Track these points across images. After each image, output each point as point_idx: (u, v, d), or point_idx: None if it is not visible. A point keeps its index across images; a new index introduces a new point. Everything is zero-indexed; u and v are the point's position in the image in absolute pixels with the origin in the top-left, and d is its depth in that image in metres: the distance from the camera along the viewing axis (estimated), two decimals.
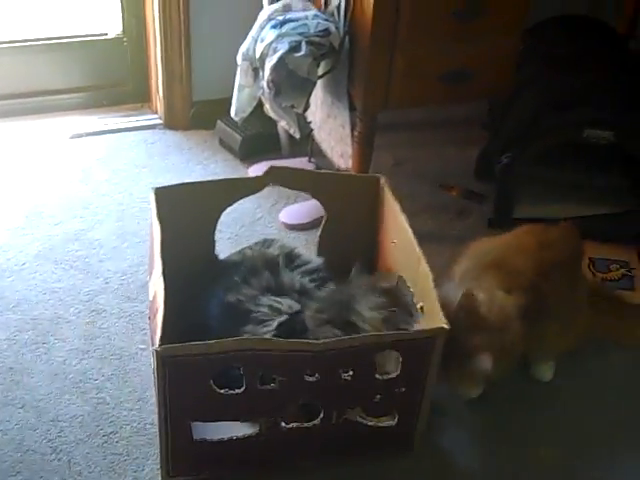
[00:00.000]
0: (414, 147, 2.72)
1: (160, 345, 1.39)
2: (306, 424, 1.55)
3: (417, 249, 1.66)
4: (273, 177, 1.86)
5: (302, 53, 1.96)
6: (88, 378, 1.81)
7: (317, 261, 1.88)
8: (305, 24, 2.01)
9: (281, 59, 1.95)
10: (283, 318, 1.64)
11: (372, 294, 1.68)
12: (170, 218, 1.72)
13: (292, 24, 2.01)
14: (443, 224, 2.38)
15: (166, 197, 1.77)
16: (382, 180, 1.89)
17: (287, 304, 1.69)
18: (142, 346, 1.88)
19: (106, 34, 2.76)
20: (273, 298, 1.70)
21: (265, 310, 1.66)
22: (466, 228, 2.37)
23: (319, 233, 1.98)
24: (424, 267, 1.61)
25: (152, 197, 1.75)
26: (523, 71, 2.22)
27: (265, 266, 1.78)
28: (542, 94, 2.30)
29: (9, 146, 2.59)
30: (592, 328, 1.88)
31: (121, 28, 2.74)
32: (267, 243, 1.91)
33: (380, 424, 1.62)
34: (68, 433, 1.69)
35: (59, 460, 1.63)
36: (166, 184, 1.83)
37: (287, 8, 2.10)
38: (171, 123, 2.75)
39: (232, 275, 1.76)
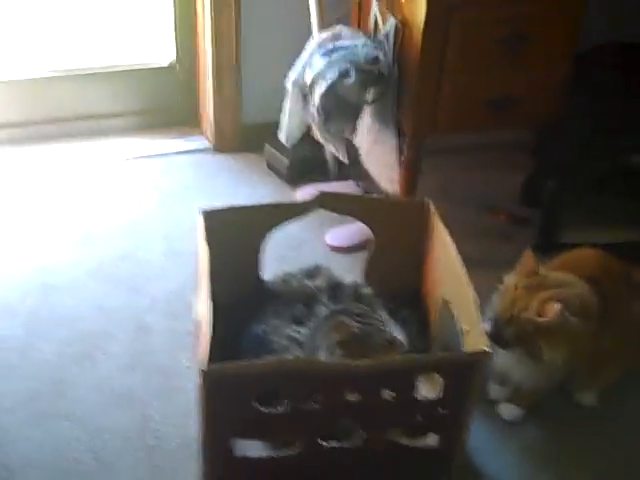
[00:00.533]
0: (460, 171, 2.72)
1: (207, 365, 1.41)
2: (346, 444, 1.56)
3: (463, 273, 1.66)
4: (322, 201, 1.89)
5: (352, 80, 2.00)
6: (133, 393, 1.84)
7: (364, 291, 1.88)
8: (354, 52, 2.04)
9: (331, 86, 1.99)
10: (298, 349, 1.64)
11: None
12: (217, 240, 1.75)
13: (342, 52, 2.05)
14: (489, 248, 2.38)
15: (213, 219, 1.80)
16: (430, 205, 1.90)
17: (306, 334, 1.70)
18: (187, 364, 1.91)
19: (160, 63, 2.83)
20: (294, 328, 1.71)
21: (283, 341, 1.68)
22: (511, 252, 2.34)
23: (367, 258, 1.99)
24: (470, 291, 1.61)
25: (200, 219, 1.79)
26: (575, 97, 2.22)
27: (302, 299, 1.81)
28: (592, 120, 2.29)
29: (66, 167, 2.66)
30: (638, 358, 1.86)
31: (175, 56, 2.81)
32: (315, 271, 1.93)
33: (420, 446, 1.62)
34: (112, 445, 1.72)
35: (103, 472, 1.66)
36: (214, 206, 1.87)
37: (337, 36, 2.14)
38: (220, 146, 2.79)
39: (269, 304, 1.79)
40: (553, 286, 1.69)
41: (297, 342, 1.67)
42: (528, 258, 1.73)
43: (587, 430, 1.82)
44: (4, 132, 2.71)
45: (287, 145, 2.32)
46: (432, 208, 1.88)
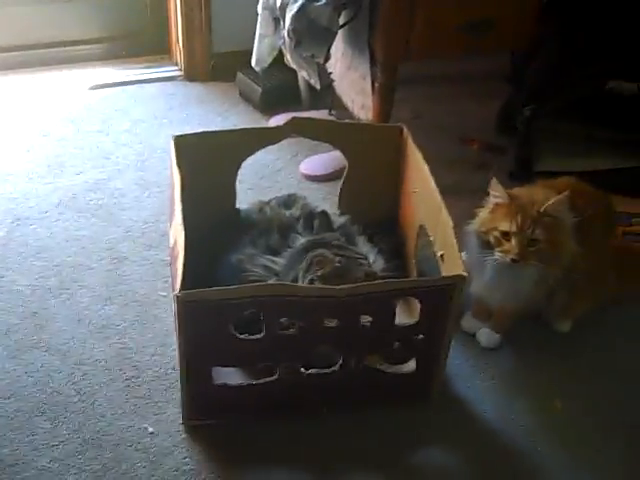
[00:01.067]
0: (434, 101, 2.70)
1: (181, 290, 1.41)
2: (325, 370, 1.57)
3: (438, 198, 1.66)
4: (294, 127, 1.86)
5: (322, 2, 1.95)
6: (111, 324, 1.84)
7: (339, 220, 1.89)
8: None
9: (302, 8, 1.95)
10: (275, 279, 1.64)
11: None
12: (190, 166, 1.73)
13: None
14: (463, 177, 2.36)
15: (186, 145, 1.78)
16: (405, 130, 1.88)
17: (282, 264, 1.70)
18: (163, 293, 1.91)
19: None
20: (269, 258, 1.70)
21: (259, 270, 1.67)
22: (486, 181, 2.35)
23: (341, 184, 1.98)
24: (445, 216, 1.61)
25: (172, 145, 1.76)
26: (547, 23, 2.19)
27: (278, 228, 1.80)
28: (566, 46, 2.28)
29: (29, 97, 2.60)
30: (617, 284, 1.88)
31: None
32: (290, 200, 1.93)
33: (399, 371, 1.64)
34: (91, 376, 1.72)
35: (83, 402, 1.66)
36: (186, 132, 1.84)
37: None
38: (191, 75, 2.75)
39: (244, 234, 1.78)
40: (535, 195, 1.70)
41: (273, 271, 1.67)
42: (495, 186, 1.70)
43: (561, 358, 1.85)
44: None
45: (257, 69, 2.28)
46: (407, 133, 1.87)
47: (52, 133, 2.45)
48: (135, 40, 2.83)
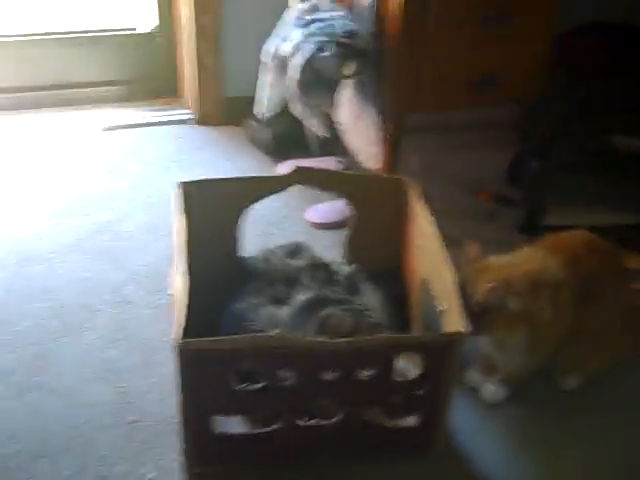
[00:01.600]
0: (444, 150, 2.72)
1: (179, 339, 1.41)
2: (324, 422, 1.57)
3: (442, 251, 1.67)
4: (299, 177, 1.88)
5: (328, 53, 1.99)
6: (114, 367, 1.84)
7: (345, 269, 1.89)
8: (332, 24, 2.04)
9: (308, 59, 1.98)
10: (278, 330, 1.62)
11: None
12: (194, 212, 1.75)
13: (319, 24, 2.05)
14: (472, 228, 2.36)
15: (191, 191, 1.80)
16: (408, 181, 1.90)
17: (287, 315, 1.69)
18: (166, 338, 1.90)
19: (139, 29, 2.81)
20: (274, 308, 1.71)
21: (262, 321, 1.68)
22: (496, 232, 2.36)
23: (347, 234, 1.99)
24: (447, 270, 1.62)
25: (177, 191, 1.78)
26: (556, 76, 2.22)
27: (283, 278, 1.80)
28: (574, 100, 2.30)
29: (43, 137, 2.64)
30: (625, 345, 1.87)
31: (156, 23, 2.78)
32: (296, 249, 1.93)
33: (399, 425, 1.63)
34: (92, 420, 1.71)
35: (83, 445, 1.66)
36: (191, 179, 1.86)
37: (314, 8, 2.13)
38: (202, 118, 2.78)
39: (248, 282, 1.79)
40: (500, 267, 1.67)
41: (276, 322, 1.67)
42: (471, 246, 1.71)
43: (570, 415, 1.82)
44: None
45: (265, 117, 2.31)
46: (410, 184, 1.88)
47: (63, 174, 2.47)
48: (148, 83, 2.87)
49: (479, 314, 1.61)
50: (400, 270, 1.98)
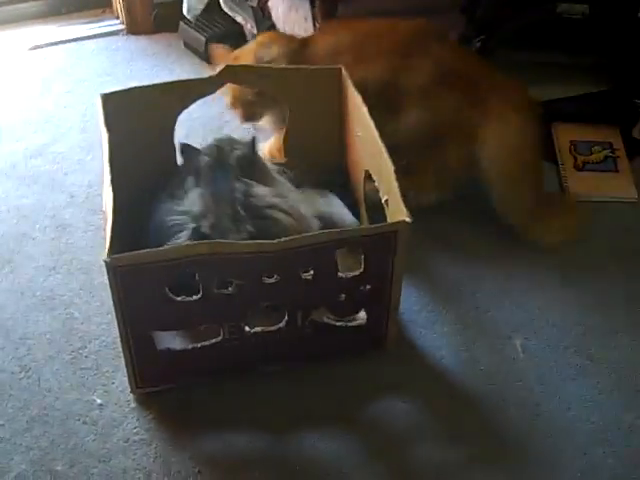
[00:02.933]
0: None
1: (109, 255, 1.35)
2: (271, 327, 1.52)
3: (379, 142, 1.59)
4: (228, 75, 1.78)
5: None
6: (55, 294, 1.78)
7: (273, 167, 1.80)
8: None
9: None
10: (194, 224, 1.55)
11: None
12: (122, 125, 1.66)
13: None
14: None
15: (116, 103, 1.70)
16: (344, 72, 1.80)
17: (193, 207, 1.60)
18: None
19: None
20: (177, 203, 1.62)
21: (177, 218, 1.58)
22: None
23: (284, 132, 1.91)
24: (386, 160, 1.54)
25: (99, 103, 1.69)
26: None
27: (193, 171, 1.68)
28: None
29: None
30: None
31: None
32: (229, 146, 1.82)
33: (349, 324, 1.59)
34: (37, 351, 1.66)
35: (29, 378, 1.61)
36: (115, 89, 1.77)
37: None
38: (133, 28, 2.64)
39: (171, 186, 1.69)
40: None
41: (194, 217, 1.57)
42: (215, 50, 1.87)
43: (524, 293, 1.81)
44: None
45: (189, 17, 2.18)
46: (346, 75, 1.78)
47: None
48: None
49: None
50: (344, 165, 1.91)
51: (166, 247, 1.41)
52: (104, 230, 1.55)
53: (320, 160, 1.87)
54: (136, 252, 1.38)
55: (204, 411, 1.56)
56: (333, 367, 1.62)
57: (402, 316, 1.69)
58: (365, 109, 1.67)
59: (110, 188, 1.46)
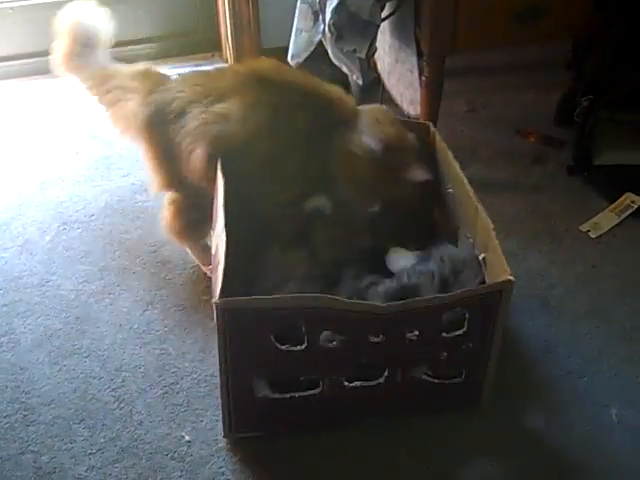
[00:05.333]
0: (491, 92, 2.60)
1: (221, 298, 1.36)
2: (370, 383, 1.51)
3: (474, 198, 1.58)
4: None
5: None
6: (152, 329, 1.82)
7: None
8: None
9: (342, 1, 1.88)
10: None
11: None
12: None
13: None
14: (518, 171, 2.27)
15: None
16: (432, 127, 1.81)
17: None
18: (205, 297, 1.87)
19: None
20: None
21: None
22: (543, 176, 2.26)
23: None
24: (483, 217, 1.53)
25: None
26: (608, 8, 2.07)
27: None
28: (627, 31, 2.15)
29: (79, 98, 2.59)
30: None
31: None
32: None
33: (446, 382, 1.57)
34: (131, 383, 1.70)
35: (121, 409, 1.65)
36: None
37: None
38: None
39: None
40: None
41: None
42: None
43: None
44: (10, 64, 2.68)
45: (292, 64, 2.22)
46: (435, 131, 1.79)
47: (101, 135, 2.44)
48: (186, 39, 2.81)
49: None
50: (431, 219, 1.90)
51: (276, 296, 1.42)
52: (213, 272, 1.58)
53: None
54: (248, 297, 1.40)
55: (292, 459, 1.56)
56: (427, 423, 1.60)
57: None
58: (457, 165, 1.66)
59: (224, 232, 1.47)
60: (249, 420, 1.57)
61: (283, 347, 1.44)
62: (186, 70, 2.63)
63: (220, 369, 1.47)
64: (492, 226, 1.49)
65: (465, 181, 1.62)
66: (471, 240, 1.61)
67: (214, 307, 1.38)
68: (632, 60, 2.11)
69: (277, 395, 1.53)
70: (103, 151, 2.38)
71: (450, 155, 1.70)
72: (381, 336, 1.45)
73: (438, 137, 1.77)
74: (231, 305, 1.38)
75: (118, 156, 2.36)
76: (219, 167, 1.67)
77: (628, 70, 2.11)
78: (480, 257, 1.55)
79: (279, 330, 1.44)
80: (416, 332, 1.46)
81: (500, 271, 1.45)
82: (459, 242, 1.70)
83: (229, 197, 1.57)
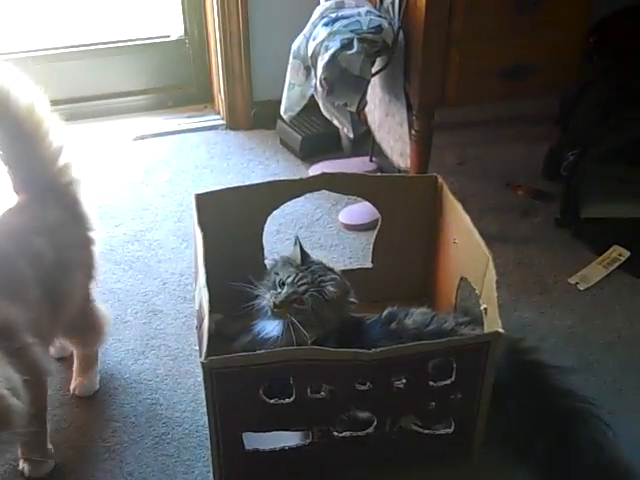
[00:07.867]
0: (480, 146, 2.65)
1: (206, 357, 1.37)
2: (359, 433, 1.51)
3: (485, 250, 1.60)
4: (324, 182, 1.84)
5: (354, 50, 1.93)
6: (143, 379, 1.82)
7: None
8: (357, 21, 1.98)
9: (333, 57, 1.92)
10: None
11: None
12: (215, 223, 1.72)
13: (344, 21, 1.98)
14: (508, 224, 2.31)
15: (209, 202, 1.77)
16: (440, 179, 1.84)
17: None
18: (197, 347, 1.87)
19: (168, 36, 2.80)
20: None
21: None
22: (532, 228, 2.30)
23: (374, 238, 1.94)
24: (491, 270, 1.55)
25: (193, 203, 1.76)
26: (595, 64, 2.13)
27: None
28: (613, 89, 2.21)
29: (75, 147, 2.62)
30: None
31: (183, 30, 2.77)
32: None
33: (436, 432, 1.57)
34: (121, 433, 1.69)
35: (112, 460, 1.64)
36: (227, 185, 1.86)
37: (340, 5, 2.07)
38: (233, 123, 2.76)
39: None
40: None
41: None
42: None
43: None
44: None
45: (285, 118, 2.26)
46: (442, 183, 1.82)
47: (94, 184, 2.45)
48: (180, 91, 2.86)
49: None
50: (433, 272, 1.92)
51: (262, 352, 1.43)
52: (197, 329, 1.59)
53: (407, 265, 1.90)
54: (233, 355, 1.41)
55: None
56: (417, 474, 1.59)
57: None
58: (467, 218, 1.69)
59: (205, 289, 1.49)
60: (240, 473, 1.56)
61: (271, 401, 1.44)
62: (179, 121, 2.73)
63: (210, 425, 1.47)
64: (496, 278, 1.51)
65: (476, 233, 1.64)
66: (477, 291, 1.63)
67: (201, 366, 1.38)
68: (616, 117, 2.16)
69: (267, 448, 1.52)
70: (96, 200, 2.39)
71: (459, 207, 1.73)
72: (368, 384, 1.45)
73: (446, 189, 1.80)
74: (217, 364, 1.39)
75: (111, 206, 2.38)
76: (197, 218, 1.69)
77: (613, 126, 2.16)
78: (482, 307, 1.56)
79: (267, 384, 1.44)
80: (403, 380, 1.46)
81: (493, 323, 1.47)
82: (459, 291, 1.73)
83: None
